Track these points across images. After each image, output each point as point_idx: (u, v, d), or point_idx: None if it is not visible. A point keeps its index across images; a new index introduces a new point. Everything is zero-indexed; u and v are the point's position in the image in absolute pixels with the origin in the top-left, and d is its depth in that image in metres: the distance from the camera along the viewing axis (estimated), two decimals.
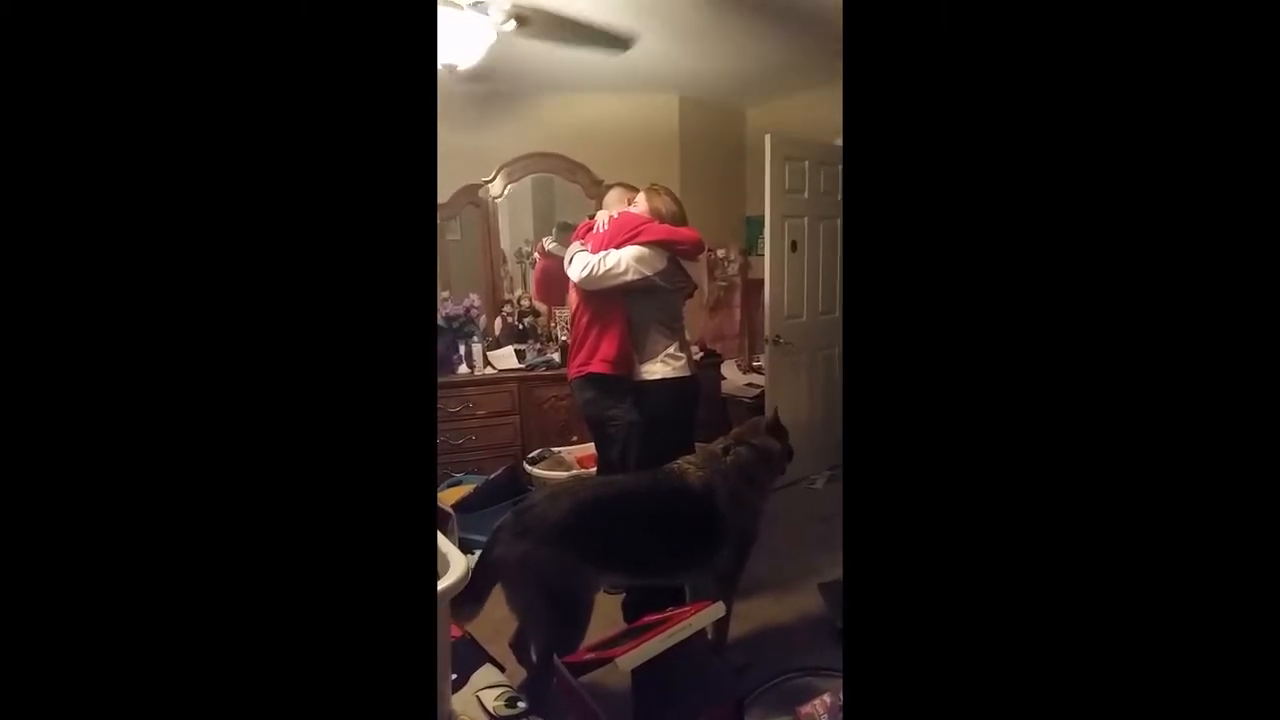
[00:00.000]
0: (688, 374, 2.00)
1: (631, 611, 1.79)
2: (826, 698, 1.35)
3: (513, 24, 1.74)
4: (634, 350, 1.96)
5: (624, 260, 1.85)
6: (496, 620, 1.85)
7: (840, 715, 1.31)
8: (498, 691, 0.97)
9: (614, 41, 1.97)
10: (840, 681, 1.44)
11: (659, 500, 1.57)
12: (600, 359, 1.91)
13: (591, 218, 2.07)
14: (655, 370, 1.95)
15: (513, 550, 1.40)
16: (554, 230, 3.01)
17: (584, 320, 1.96)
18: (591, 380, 1.93)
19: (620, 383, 1.94)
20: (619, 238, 1.90)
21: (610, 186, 2.24)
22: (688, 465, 1.64)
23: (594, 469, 2.33)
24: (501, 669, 1.15)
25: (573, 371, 2.00)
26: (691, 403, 2.03)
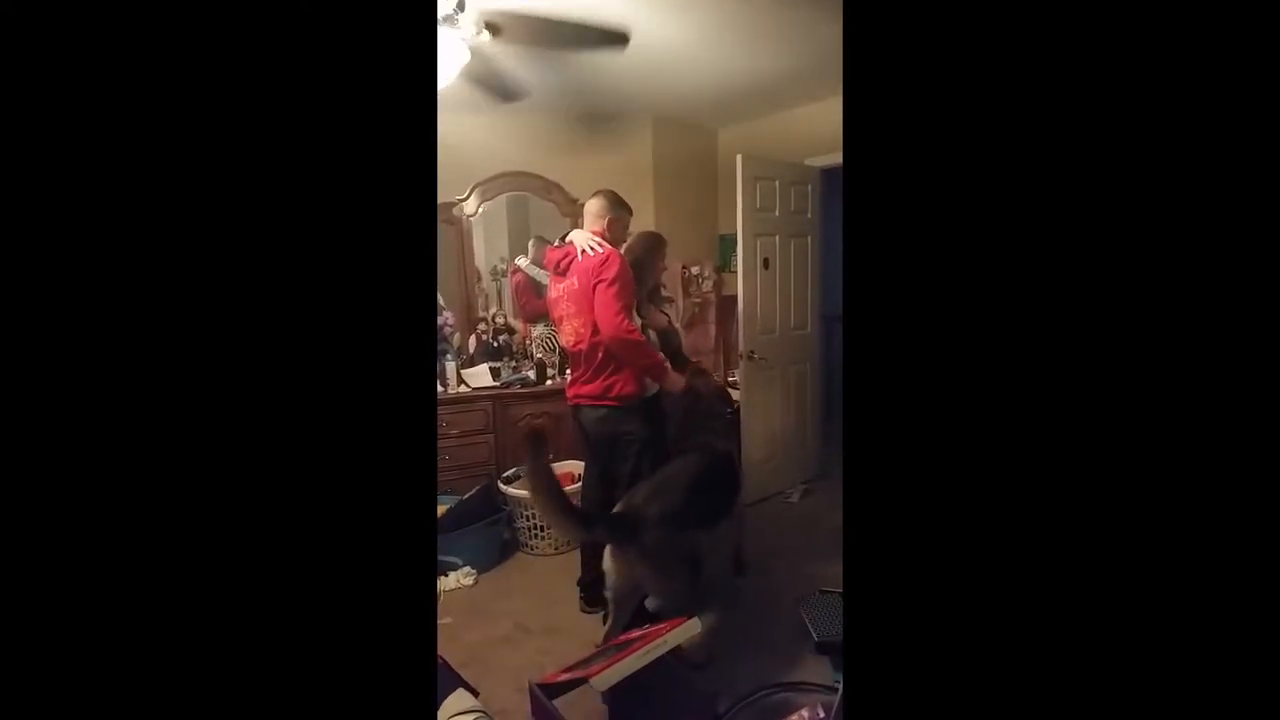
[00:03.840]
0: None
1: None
2: (804, 713, 1.34)
3: (486, 35, 1.71)
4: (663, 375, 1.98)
5: None
6: (469, 645, 1.81)
7: None
8: (471, 717, 0.95)
9: (604, 38, 1.82)
10: (817, 697, 1.44)
11: (716, 470, 1.89)
12: (616, 394, 1.88)
13: (563, 241, 2.00)
14: (682, 384, 2.01)
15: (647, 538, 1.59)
16: (530, 244, 2.99)
17: (599, 352, 1.88)
18: (605, 406, 1.91)
19: (634, 404, 1.91)
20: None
21: (590, 197, 2.04)
22: (714, 437, 1.97)
23: (573, 487, 2.32)
24: (475, 693, 1.13)
25: (578, 400, 1.96)
26: (695, 404, 2.09)
